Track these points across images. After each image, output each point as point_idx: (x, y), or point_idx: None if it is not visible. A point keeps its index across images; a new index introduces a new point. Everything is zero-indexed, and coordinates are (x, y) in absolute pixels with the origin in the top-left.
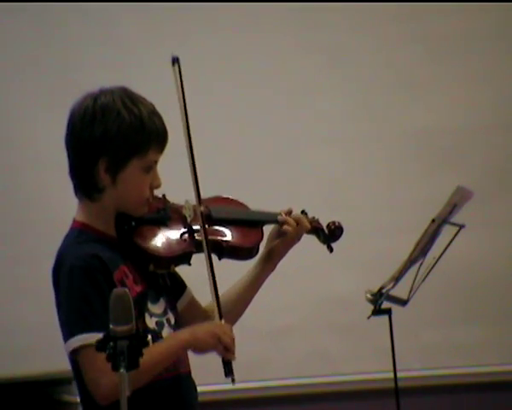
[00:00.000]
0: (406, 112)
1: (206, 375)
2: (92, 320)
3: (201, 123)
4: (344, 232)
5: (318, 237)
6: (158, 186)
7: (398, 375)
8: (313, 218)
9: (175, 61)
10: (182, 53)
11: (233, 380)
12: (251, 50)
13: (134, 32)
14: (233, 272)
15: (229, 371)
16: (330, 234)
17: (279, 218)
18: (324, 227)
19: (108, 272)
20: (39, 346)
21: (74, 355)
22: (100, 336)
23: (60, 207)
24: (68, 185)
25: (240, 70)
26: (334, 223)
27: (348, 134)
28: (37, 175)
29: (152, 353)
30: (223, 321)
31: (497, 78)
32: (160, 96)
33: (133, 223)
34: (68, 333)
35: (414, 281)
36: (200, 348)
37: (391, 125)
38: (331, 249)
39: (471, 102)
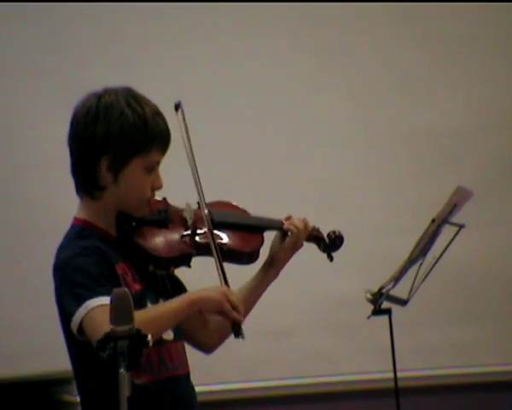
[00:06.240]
0: (406, 112)
1: (206, 375)
2: (94, 288)
3: (199, 124)
4: (344, 241)
5: (319, 245)
6: (159, 187)
7: (398, 375)
8: (313, 227)
9: (178, 106)
10: (182, 53)
11: (243, 338)
12: (250, 51)
13: (136, 33)
14: (236, 277)
15: (238, 331)
16: (331, 243)
17: (285, 226)
18: (325, 236)
19: (110, 263)
20: (39, 346)
21: (82, 326)
22: (105, 299)
23: (60, 207)
24: (69, 186)
25: (239, 71)
26: (334, 232)
27: (348, 135)
28: (38, 175)
29: (158, 308)
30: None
31: (497, 78)
32: (162, 96)
33: (134, 223)
34: (71, 311)
35: (414, 281)
36: (207, 306)
37: (391, 126)
38: (331, 258)
39: (471, 102)
